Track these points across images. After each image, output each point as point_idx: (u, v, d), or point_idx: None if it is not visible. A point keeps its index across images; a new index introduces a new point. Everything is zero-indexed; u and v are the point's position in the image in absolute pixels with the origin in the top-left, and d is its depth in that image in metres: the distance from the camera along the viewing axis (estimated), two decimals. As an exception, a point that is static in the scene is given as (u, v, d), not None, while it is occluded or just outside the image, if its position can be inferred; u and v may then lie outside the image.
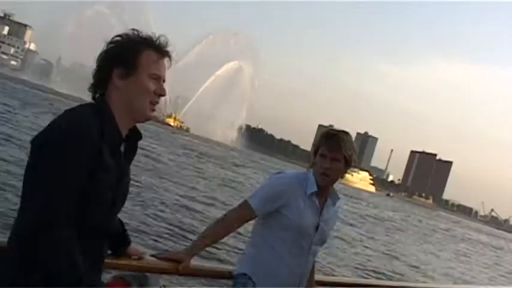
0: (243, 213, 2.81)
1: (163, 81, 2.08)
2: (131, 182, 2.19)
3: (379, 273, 16.74)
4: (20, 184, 1.93)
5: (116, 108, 2.00)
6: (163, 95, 2.06)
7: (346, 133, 2.84)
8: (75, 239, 1.84)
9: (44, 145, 1.85)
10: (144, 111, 2.04)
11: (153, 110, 2.07)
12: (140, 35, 2.05)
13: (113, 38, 2.04)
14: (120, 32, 2.06)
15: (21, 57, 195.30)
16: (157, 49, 2.05)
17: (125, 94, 2.00)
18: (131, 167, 2.15)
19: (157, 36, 2.06)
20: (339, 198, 2.96)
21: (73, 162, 1.83)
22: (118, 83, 2.00)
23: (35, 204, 1.81)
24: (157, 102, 2.07)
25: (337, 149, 2.76)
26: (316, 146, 2.87)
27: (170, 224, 14.46)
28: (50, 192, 1.81)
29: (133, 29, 2.06)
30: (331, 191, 2.91)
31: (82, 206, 1.88)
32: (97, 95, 2.04)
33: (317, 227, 2.83)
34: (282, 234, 2.79)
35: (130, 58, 2.00)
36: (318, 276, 3.13)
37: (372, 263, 18.54)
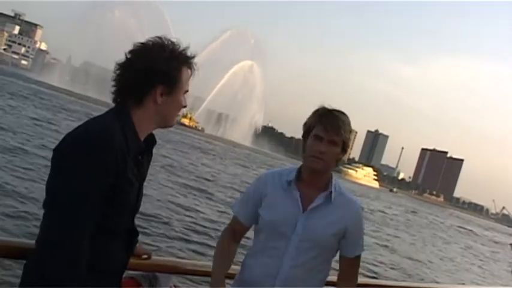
0: (231, 226, 2.51)
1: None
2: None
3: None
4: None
5: (145, 118, 2.04)
6: (186, 106, 2.16)
7: (344, 113, 2.36)
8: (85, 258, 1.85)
9: (68, 156, 1.86)
10: (173, 122, 2.15)
11: None
12: (176, 48, 2.05)
13: (150, 48, 2.02)
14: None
15: (31, 56, 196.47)
16: (191, 66, 2.10)
17: (161, 110, 2.06)
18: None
19: (185, 47, 2.07)
20: (331, 192, 2.34)
21: (97, 176, 1.85)
22: (159, 100, 2.03)
23: (55, 221, 1.82)
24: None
25: (336, 131, 2.30)
26: (309, 125, 2.37)
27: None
28: (71, 209, 1.82)
29: (158, 37, 2.04)
30: (329, 183, 2.37)
31: (108, 213, 1.92)
32: (119, 100, 2.03)
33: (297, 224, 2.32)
34: (261, 236, 2.40)
35: (176, 77, 2.04)
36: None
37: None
